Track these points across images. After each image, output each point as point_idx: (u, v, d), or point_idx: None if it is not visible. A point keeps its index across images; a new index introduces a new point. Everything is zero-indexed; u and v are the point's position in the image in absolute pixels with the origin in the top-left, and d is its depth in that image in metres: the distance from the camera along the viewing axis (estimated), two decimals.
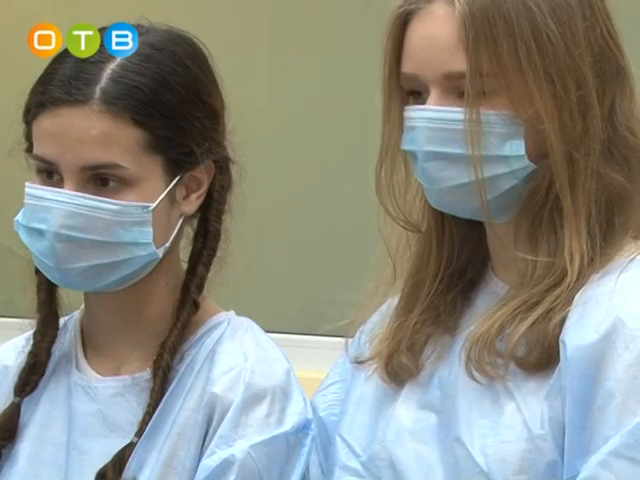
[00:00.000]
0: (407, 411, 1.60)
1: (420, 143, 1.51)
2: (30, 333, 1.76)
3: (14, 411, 1.72)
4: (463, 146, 1.49)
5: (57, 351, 1.76)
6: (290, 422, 1.65)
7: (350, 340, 1.73)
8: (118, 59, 1.64)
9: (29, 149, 1.67)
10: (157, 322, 1.72)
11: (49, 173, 1.64)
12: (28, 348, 1.76)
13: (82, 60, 1.64)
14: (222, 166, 1.71)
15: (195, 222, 1.73)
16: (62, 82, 1.62)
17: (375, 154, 3.30)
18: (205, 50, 1.72)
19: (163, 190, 1.64)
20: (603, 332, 1.43)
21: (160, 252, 1.64)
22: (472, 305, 1.63)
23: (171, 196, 1.65)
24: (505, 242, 1.56)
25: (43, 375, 1.74)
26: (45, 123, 1.62)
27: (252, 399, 1.64)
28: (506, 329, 1.51)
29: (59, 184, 1.62)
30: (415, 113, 1.53)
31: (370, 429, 1.63)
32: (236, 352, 1.70)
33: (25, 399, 1.73)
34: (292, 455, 1.64)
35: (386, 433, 1.59)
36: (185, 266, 1.75)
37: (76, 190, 1.61)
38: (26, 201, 1.64)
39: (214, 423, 1.63)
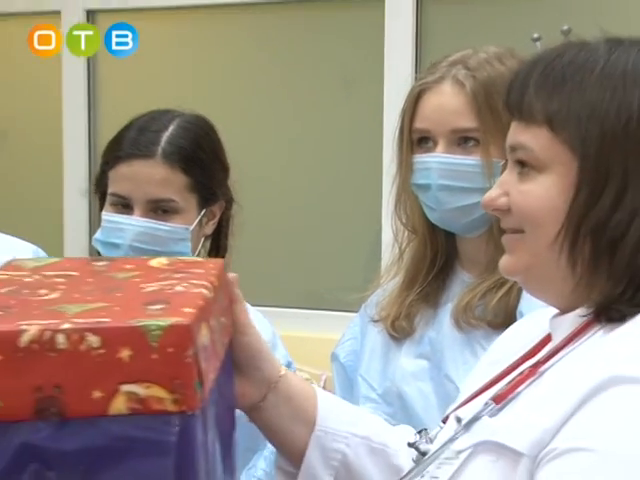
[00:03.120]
0: (407, 359, 1.85)
1: (434, 176, 1.75)
2: None
3: None
4: (466, 179, 1.74)
5: None
6: (281, 359, 1.74)
7: (363, 307, 1.96)
8: (170, 129, 1.87)
9: (98, 190, 1.91)
10: None
11: (123, 205, 1.85)
12: None
13: (144, 128, 1.88)
14: (228, 204, 1.95)
15: (207, 243, 1.95)
16: (132, 143, 1.86)
17: (355, 172, 3.32)
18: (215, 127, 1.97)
19: (196, 218, 1.88)
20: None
21: (193, 257, 1.85)
22: (447, 288, 1.87)
23: (199, 222, 1.89)
24: (477, 248, 1.81)
25: None
26: (122, 170, 1.84)
27: None
28: (483, 299, 1.76)
29: (129, 213, 1.83)
30: (430, 157, 1.76)
31: (382, 372, 1.87)
32: None
33: None
34: None
35: (395, 375, 1.85)
36: None
37: (142, 216, 1.83)
38: (104, 225, 1.86)
39: None
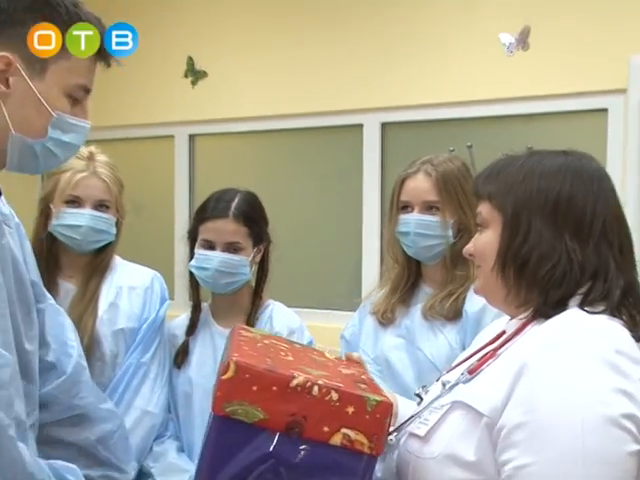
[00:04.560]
0: (390, 338, 1.82)
1: (412, 227, 1.76)
2: (189, 312, 1.94)
3: (187, 343, 1.90)
4: (431, 229, 1.75)
5: (201, 319, 1.92)
6: (307, 339, 1.87)
7: (362, 305, 1.94)
8: (236, 200, 1.84)
9: (189, 238, 1.88)
10: (245, 305, 1.90)
11: (209, 246, 1.84)
12: (188, 316, 1.93)
13: (219, 199, 1.85)
14: (268, 244, 1.91)
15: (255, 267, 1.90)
16: (213, 208, 1.84)
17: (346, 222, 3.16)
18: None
19: (251, 253, 1.85)
20: (481, 306, 1.63)
21: (249, 277, 1.88)
22: (415, 296, 1.84)
23: (253, 256, 1.86)
24: (436, 271, 1.81)
25: (196, 328, 1.91)
26: (209, 225, 1.83)
27: (292, 332, 1.86)
28: (441, 303, 1.76)
29: (212, 250, 1.83)
30: (410, 216, 1.77)
31: (374, 345, 1.84)
32: (280, 314, 1.90)
33: (190, 338, 1.90)
34: None
35: (383, 347, 1.82)
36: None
37: (222, 252, 1.82)
38: (197, 257, 1.83)
39: None
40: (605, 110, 2.91)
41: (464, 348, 1.62)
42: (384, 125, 3.35)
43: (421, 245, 1.77)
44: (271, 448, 0.99)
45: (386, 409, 1.02)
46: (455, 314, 1.74)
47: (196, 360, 1.87)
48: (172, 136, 3.80)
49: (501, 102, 3.06)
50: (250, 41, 3.54)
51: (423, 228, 1.75)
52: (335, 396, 1.01)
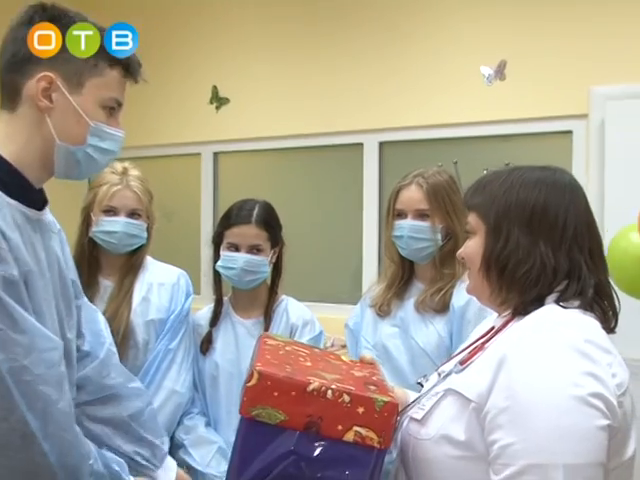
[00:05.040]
0: (387, 327, 1.78)
1: (406, 232, 1.72)
2: (212, 305, 1.90)
3: (210, 333, 1.87)
4: (422, 234, 1.71)
5: (223, 311, 1.89)
6: (318, 330, 1.86)
7: (362, 298, 1.89)
8: (256, 208, 1.80)
9: (214, 242, 1.83)
10: (262, 299, 1.87)
11: (234, 248, 1.81)
12: (211, 309, 1.90)
13: (241, 207, 1.81)
14: (282, 246, 1.87)
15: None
16: (237, 216, 1.81)
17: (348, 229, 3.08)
18: None
19: (269, 254, 1.81)
20: (466, 300, 1.61)
21: (267, 275, 1.84)
22: (408, 291, 1.80)
23: (271, 257, 1.83)
24: (426, 270, 1.76)
25: (219, 319, 1.88)
26: (234, 231, 1.80)
27: (305, 324, 1.86)
28: (431, 297, 1.72)
29: (237, 251, 1.80)
30: (404, 222, 1.73)
31: (373, 333, 1.80)
32: (295, 307, 1.89)
33: (213, 329, 1.88)
34: (318, 342, 1.84)
35: (381, 335, 1.78)
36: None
37: (246, 253, 1.80)
38: (223, 258, 1.80)
39: (294, 334, 1.82)
40: (570, 132, 2.95)
41: (451, 337, 1.64)
42: (382, 144, 3.35)
43: (414, 247, 1.74)
44: (292, 446, 0.98)
45: (392, 408, 0.99)
46: (443, 307, 1.71)
47: (220, 347, 1.85)
48: (199, 154, 3.80)
49: (481, 125, 3.08)
50: (266, 72, 3.56)
51: (415, 232, 1.72)
52: (347, 398, 0.99)
